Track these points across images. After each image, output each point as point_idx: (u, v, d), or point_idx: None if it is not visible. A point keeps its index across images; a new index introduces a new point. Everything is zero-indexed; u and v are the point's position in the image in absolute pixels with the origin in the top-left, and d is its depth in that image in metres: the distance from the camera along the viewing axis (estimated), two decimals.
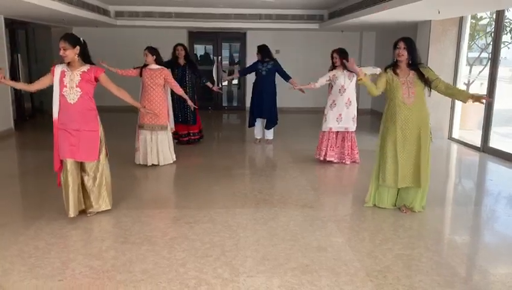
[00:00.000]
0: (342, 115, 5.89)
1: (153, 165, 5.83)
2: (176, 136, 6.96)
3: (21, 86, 4.21)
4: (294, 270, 3.07)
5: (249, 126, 7.51)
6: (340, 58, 5.72)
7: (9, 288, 2.80)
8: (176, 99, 6.70)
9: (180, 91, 5.89)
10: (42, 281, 2.89)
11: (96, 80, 3.88)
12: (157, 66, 5.72)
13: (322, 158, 6.04)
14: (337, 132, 6.00)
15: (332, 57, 5.91)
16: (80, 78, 3.79)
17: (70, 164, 3.84)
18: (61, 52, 3.77)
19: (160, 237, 3.60)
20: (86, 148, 3.87)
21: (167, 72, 5.79)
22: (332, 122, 5.93)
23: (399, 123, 4.00)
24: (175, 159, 6.07)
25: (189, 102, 6.12)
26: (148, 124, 5.74)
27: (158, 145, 5.83)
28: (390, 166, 4.06)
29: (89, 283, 2.87)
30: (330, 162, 6.03)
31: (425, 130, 4.03)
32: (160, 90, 5.74)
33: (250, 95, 7.39)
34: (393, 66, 4.06)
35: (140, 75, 5.75)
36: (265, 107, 7.14)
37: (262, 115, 7.24)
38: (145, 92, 5.75)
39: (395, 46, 4.01)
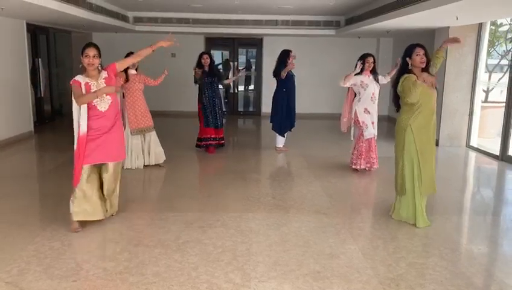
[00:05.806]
0: (375, 124, 5.77)
1: (145, 166, 5.95)
2: (201, 143, 6.98)
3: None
4: (305, 277, 3.05)
5: (282, 135, 7.22)
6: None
7: (25, 288, 2.86)
8: (209, 103, 6.76)
9: (157, 82, 6.15)
10: (57, 281, 2.94)
11: (116, 73, 3.86)
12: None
13: (365, 167, 5.79)
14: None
15: (364, 62, 5.61)
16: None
17: (89, 168, 3.74)
18: (90, 60, 3.61)
19: (173, 241, 3.62)
20: (118, 147, 3.87)
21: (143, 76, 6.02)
22: (372, 129, 5.74)
23: (427, 130, 3.92)
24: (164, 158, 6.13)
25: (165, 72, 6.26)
26: (141, 128, 5.84)
27: (151, 146, 5.95)
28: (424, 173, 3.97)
29: (102, 285, 2.91)
30: (355, 170, 5.90)
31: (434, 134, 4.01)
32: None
33: (276, 101, 7.10)
34: (409, 73, 3.91)
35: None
36: (293, 113, 7.09)
37: (292, 119, 7.14)
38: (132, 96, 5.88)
39: (412, 53, 3.90)
